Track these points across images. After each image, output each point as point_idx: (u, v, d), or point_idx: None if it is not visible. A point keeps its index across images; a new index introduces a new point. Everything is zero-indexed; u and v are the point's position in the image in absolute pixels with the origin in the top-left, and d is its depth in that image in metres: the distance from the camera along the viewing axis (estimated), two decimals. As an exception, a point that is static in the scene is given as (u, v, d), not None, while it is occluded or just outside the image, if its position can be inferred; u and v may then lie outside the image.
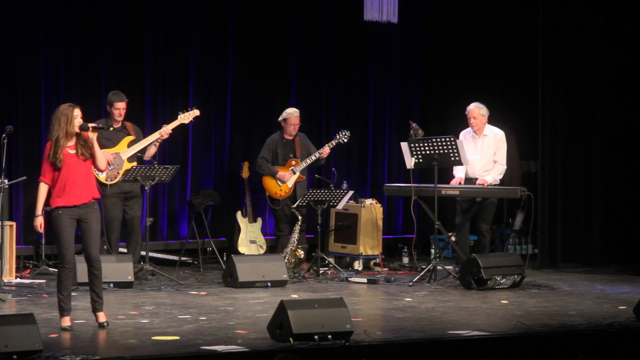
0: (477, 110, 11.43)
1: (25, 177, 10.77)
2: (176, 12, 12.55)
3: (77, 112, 7.89)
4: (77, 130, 7.86)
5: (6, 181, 10.16)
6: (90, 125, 7.94)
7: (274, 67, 13.20)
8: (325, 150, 11.82)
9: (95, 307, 8.02)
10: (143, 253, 10.84)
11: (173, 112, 12.32)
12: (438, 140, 10.99)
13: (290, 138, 11.92)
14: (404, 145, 11.14)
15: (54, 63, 11.91)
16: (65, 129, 7.84)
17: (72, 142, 7.89)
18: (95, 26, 12.10)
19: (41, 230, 8.08)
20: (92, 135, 7.92)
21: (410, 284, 10.65)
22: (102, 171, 7.91)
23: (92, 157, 7.94)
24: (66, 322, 7.92)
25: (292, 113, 11.90)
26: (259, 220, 12.34)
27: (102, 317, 8.03)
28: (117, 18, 12.19)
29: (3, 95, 11.70)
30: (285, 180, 11.79)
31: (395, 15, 12.23)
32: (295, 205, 11.53)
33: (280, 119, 11.97)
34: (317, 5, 13.38)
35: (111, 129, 8.95)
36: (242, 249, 12.11)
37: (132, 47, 12.34)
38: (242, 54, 12.95)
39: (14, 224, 10.91)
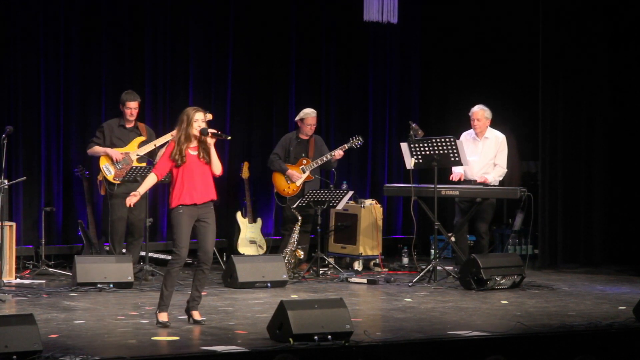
0: (481, 112, 11.41)
1: (24, 178, 10.76)
2: (176, 12, 12.54)
3: (199, 115, 8.11)
4: (196, 133, 8.07)
5: (6, 181, 10.16)
6: (210, 130, 8.13)
7: (273, 67, 13.19)
8: (338, 152, 11.78)
9: (194, 306, 8.25)
10: (143, 253, 10.83)
11: (173, 113, 12.34)
12: (438, 140, 10.98)
13: (306, 138, 11.90)
14: (404, 146, 11.13)
15: (54, 63, 11.90)
16: (186, 130, 8.06)
17: (194, 144, 8.11)
18: (95, 26, 12.10)
19: (129, 204, 8.20)
20: (211, 141, 8.13)
21: (410, 284, 10.65)
22: (216, 176, 8.10)
23: (209, 162, 8.15)
24: (165, 317, 8.09)
25: (309, 113, 11.87)
26: (259, 220, 12.33)
27: (197, 315, 8.23)
28: (117, 18, 12.18)
29: (3, 95, 11.69)
30: (294, 179, 11.78)
31: (395, 15, 12.23)
32: (295, 206, 11.52)
33: (297, 118, 11.96)
34: (317, 5, 13.37)
35: (229, 137, 8.81)
36: (241, 249, 12.11)
37: (132, 47, 12.34)
38: (242, 54, 12.94)
39: (14, 224, 10.91)
